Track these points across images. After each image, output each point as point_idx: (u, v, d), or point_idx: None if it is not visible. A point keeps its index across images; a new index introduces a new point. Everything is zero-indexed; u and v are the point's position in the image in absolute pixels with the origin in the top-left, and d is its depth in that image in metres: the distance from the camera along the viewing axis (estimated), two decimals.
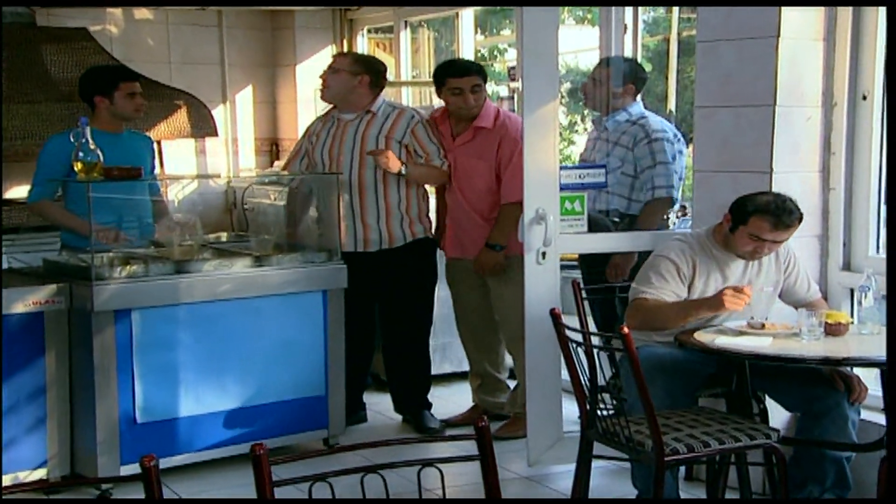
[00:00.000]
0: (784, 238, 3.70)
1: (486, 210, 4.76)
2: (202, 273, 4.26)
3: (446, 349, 5.57)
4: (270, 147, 7.44)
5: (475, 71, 4.82)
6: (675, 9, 9.60)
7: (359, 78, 4.72)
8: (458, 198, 4.84)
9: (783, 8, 3.92)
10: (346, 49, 7.23)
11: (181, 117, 6.40)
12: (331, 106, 4.96)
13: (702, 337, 3.56)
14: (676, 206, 4.81)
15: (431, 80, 4.99)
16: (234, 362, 4.34)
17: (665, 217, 4.82)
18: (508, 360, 5.09)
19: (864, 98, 4.02)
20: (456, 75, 4.75)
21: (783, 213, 3.63)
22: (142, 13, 6.87)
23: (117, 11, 6.75)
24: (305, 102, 7.19)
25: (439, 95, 4.84)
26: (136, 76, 4.78)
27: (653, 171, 4.70)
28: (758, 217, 3.64)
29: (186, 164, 7.01)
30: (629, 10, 5.29)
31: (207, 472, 4.27)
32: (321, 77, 4.85)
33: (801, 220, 3.68)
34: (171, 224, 4.62)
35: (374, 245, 4.78)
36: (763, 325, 3.59)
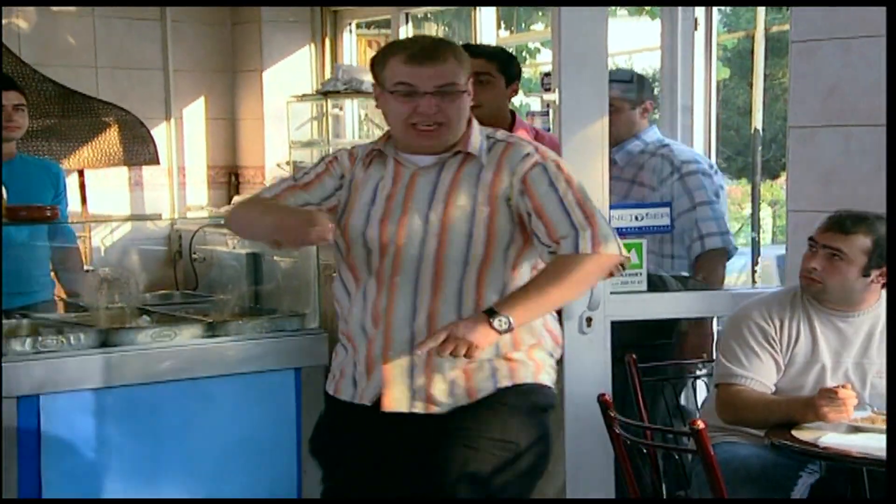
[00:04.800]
0: (830, 243, 3.69)
1: None
2: (136, 346, 4.25)
3: None
4: (228, 178, 7.49)
5: None
6: None
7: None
8: None
9: None
10: (328, 49, 7.26)
11: (110, 139, 6.41)
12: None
13: (803, 434, 3.52)
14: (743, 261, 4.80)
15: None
16: (177, 466, 4.31)
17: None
18: None
19: None
20: None
21: (842, 216, 3.72)
22: None
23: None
24: (275, 119, 7.21)
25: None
26: (9, 81, 4.77)
27: (693, 215, 4.65)
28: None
29: (117, 201, 7.04)
30: None
31: None
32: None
33: (869, 240, 3.68)
34: (96, 281, 4.60)
35: (445, 405, 3.17)
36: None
